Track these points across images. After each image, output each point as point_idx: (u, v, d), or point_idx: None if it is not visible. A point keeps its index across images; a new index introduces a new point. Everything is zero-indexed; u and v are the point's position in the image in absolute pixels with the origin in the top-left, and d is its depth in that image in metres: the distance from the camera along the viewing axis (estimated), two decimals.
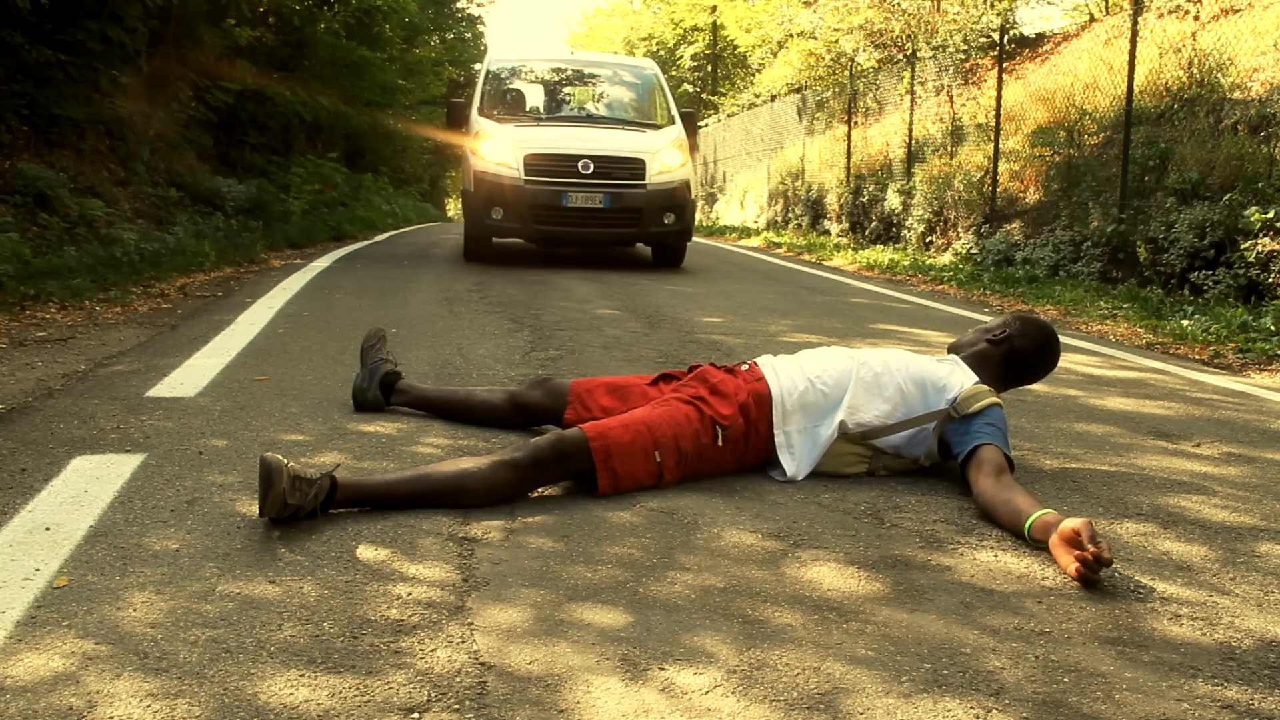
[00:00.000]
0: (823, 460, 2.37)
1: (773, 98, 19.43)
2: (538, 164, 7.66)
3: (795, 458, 2.35)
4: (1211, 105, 7.81)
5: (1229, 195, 6.61)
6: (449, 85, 26.61)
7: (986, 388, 2.40)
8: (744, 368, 2.48)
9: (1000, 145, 10.04)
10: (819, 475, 2.36)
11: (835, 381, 2.38)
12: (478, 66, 13.53)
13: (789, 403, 2.35)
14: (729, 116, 23.06)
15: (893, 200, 12.03)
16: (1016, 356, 2.57)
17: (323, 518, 1.96)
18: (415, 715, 1.27)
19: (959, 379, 2.42)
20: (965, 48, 13.27)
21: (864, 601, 1.68)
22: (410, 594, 1.63)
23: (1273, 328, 5.14)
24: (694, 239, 9.99)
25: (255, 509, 1.99)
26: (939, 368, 2.46)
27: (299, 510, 1.92)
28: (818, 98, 16.58)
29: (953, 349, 2.65)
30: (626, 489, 2.19)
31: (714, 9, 27.99)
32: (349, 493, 2.02)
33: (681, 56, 31.87)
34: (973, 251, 9.70)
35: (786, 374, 2.40)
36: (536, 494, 2.17)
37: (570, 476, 2.21)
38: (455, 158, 24.15)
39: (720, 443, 2.30)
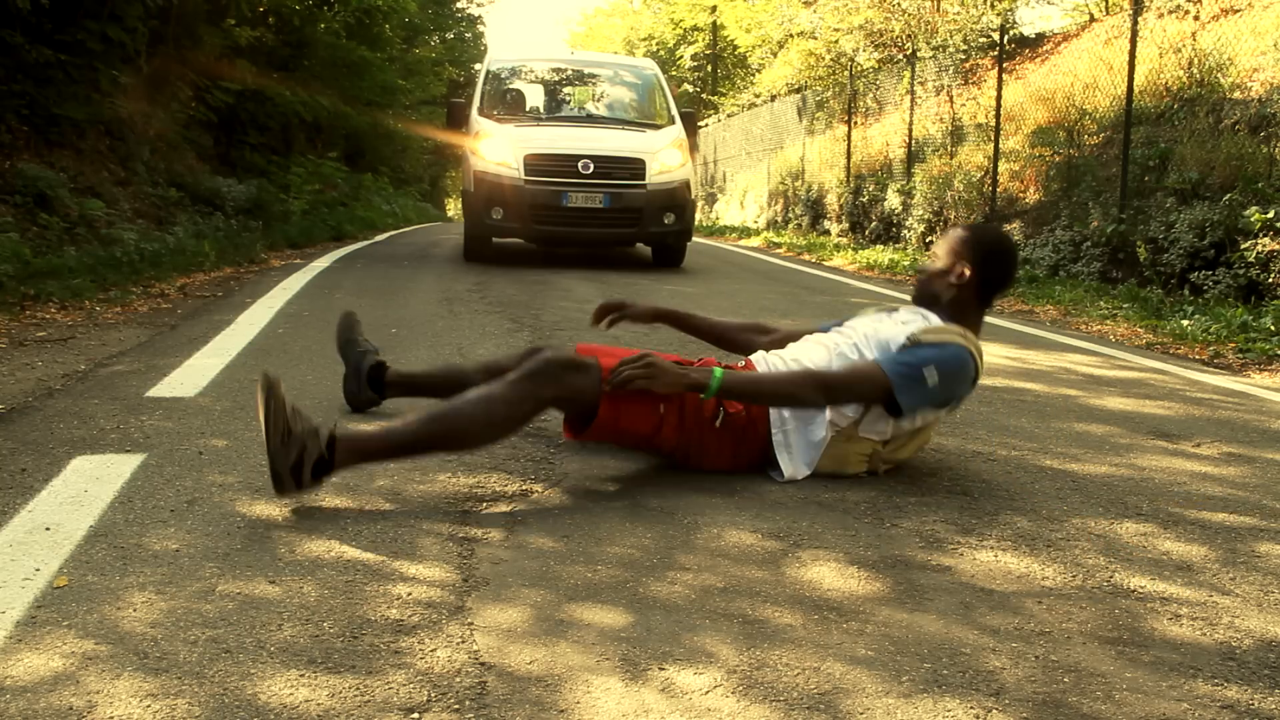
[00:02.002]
0: (822, 462, 2.37)
1: (773, 98, 19.43)
2: (538, 164, 7.66)
3: (792, 457, 2.35)
4: (1211, 105, 7.81)
5: (1229, 195, 6.61)
6: (449, 85, 26.60)
7: (949, 327, 2.34)
8: (740, 364, 2.48)
9: (1000, 145, 10.04)
10: (819, 475, 2.36)
11: None
12: (478, 66, 13.52)
13: None
14: (729, 116, 23.07)
15: (893, 200, 12.03)
16: (991, 284, 2.45)
17: (320, 521, 1.96)
18: (415, 715, 1.27)
19: (917, 328, 2.36)
20: (965, 48, 13.27)
21: (864, 601, 1.68)
22: (410, 594, 1.63)
23: (1273, 328, 5.14)
24: (694, 239, 9.99)
25: (255, 508, 1.99)
26: (903, 330, 2.37)
27: (302, 450, 1.94)
28: (818, 98, 16.59)
29: (920, 302, 2.50)
30: (623, 429, 2.21)
31: (714, 9, 28.00)
32: (348, 446, 2.03)
33: (681, 56, 31.87)
34: None
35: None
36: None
37: (572, 399, 2.19)
38: (455, 158, 24.13)
39: (718, 424, 2.29)
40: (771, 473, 2.36)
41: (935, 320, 2.40)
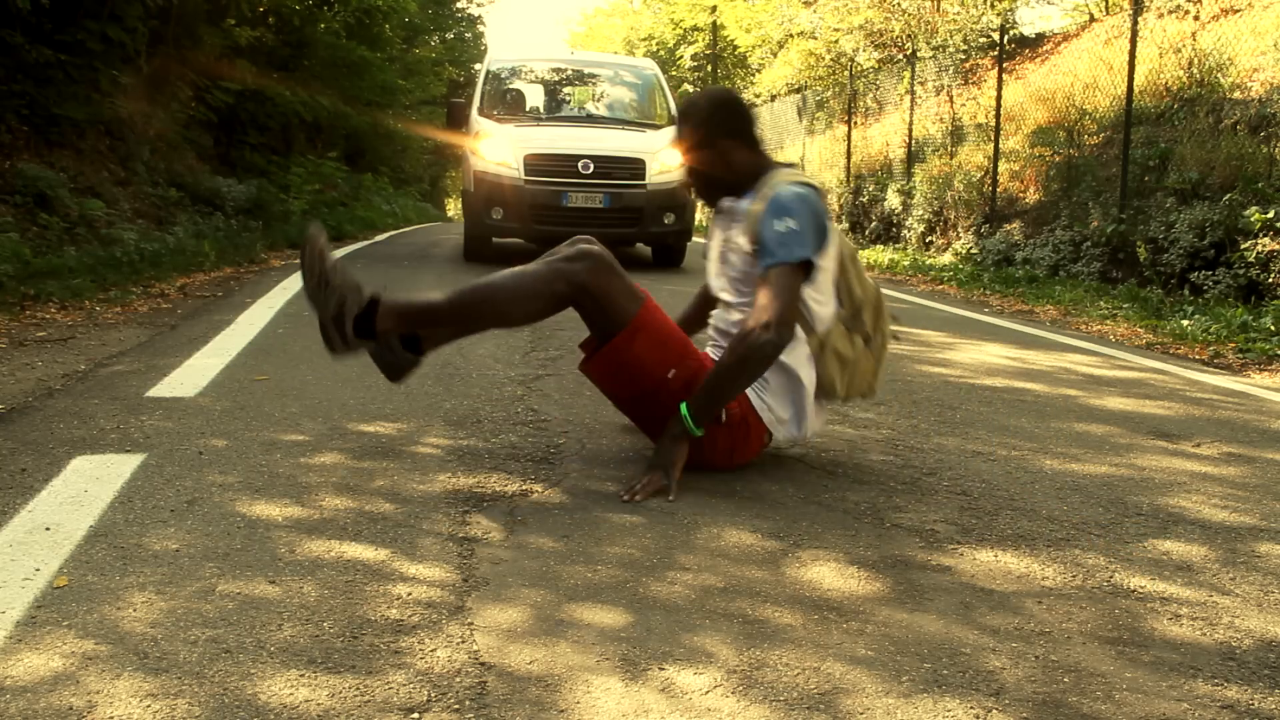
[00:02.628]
0: (825, 387, 2.31)
1: (773, 98, 19.43)
2: (538, 164, 7.66)
3: (789, 423, 2.32)
4: (1211, 105, 7.81)
5: (1229, 195, 6.61)
6: (449, 85, 26.60)
7: (754, 205, 2.26)
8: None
9: (1000, 145, 10.04)
10: (820, 474, 2.35)
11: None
12: (478, 66, 13.54)
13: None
14: None
15: (893, 200, 12.03)
16: (741, 130, 2.34)
17: (320, 521, 1.96)
18: (415, 715, 1.27)
19: (744, 230, 2.29)
20: (965, 48, 13.27)
21: (864, 601, 1.68)
22: (410, 594, 1.63)
23: (1273, 328, 5.14)
24: (694, 238, 9.99)
25: (255, 508, 1.99)
26: (743, 242, 2.30)
27: (342, 303, 2.14)
28: (818, 98, 16.59)
29: (720, 202, 2.42)
30: (631, 366, 2.25)
31: (714, 9, 27.97)
32: (390, 309, 2.18)
33: (681, 56, 31.84)
34: (973, 251, 9.70)
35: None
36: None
37: (601, 297, 2.23)
38: (455, 158, 24.13)
39: (724, 420, 2.28)
40: (785, 444, 2.32)
41: (744, 205, 2.32)
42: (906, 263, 9.78)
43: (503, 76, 9.18)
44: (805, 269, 2.21)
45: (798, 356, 2.30)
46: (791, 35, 19.34)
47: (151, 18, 8.66)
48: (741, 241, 2.31)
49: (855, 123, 14.37)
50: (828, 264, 2.29)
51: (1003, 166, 10.06)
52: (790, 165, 2.41)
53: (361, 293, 2.22)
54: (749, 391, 2.30)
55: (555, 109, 9.23)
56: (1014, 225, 9.46)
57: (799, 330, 2.28)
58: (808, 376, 2.31)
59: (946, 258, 10.12)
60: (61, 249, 6.06)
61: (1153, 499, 2.33)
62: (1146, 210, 7.45)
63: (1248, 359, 4.74)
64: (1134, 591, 1.77)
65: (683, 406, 2.19)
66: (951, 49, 13.26)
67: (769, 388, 2.32)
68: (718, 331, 2.43)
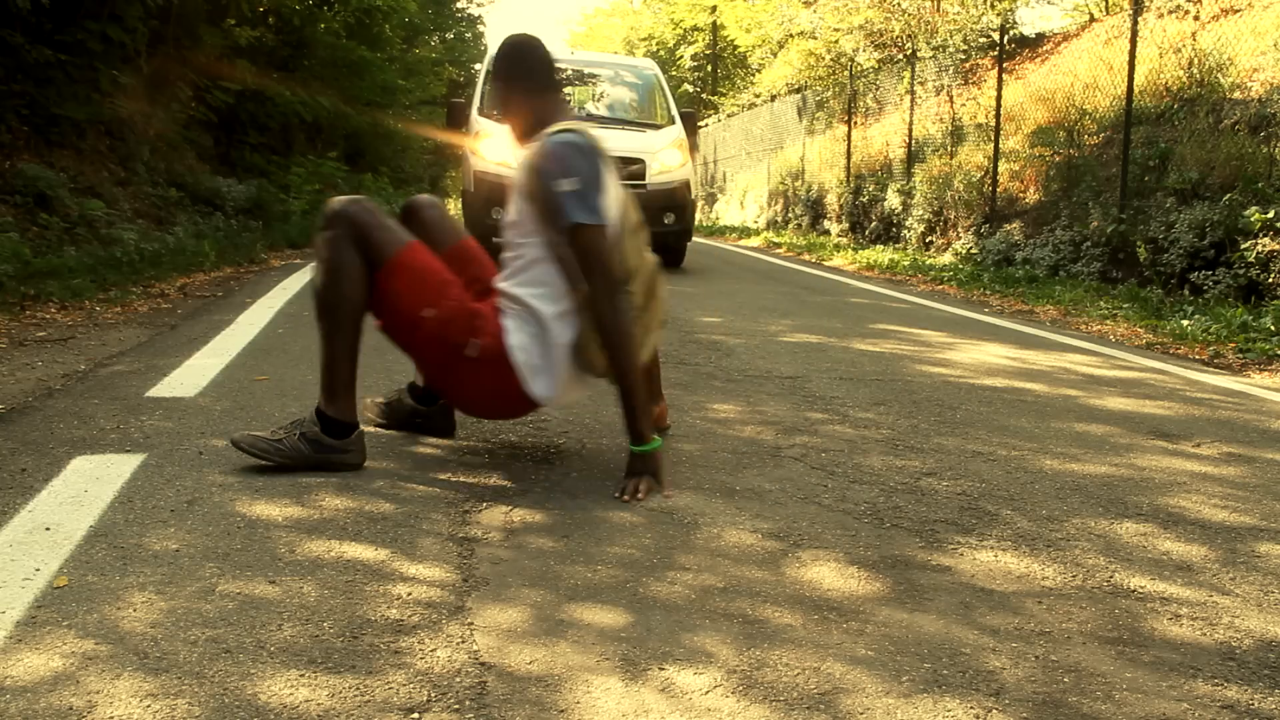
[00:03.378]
0: (587, 347, 2.21)
1: (773, 98, 19.44)
2: None
3: (538, 369, 2.22)
4: (1211, 105, 7.82)
5: (1229, 195, 6.61)
6: (449, 85, 26.60)
7: (540, 139, 2.21)
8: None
9: (1000, 145, 10.04)
10: (820, 474, 2.35)
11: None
12: (478, 66, 13.54)
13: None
14: (729, 116, 23.08)
15: (893, 200, 12.03)
16: (520, 74, 2.29)
17: (320, 521, 1.96)
18: (415, 715, 1.27)
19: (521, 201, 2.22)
20: (965, 48, 13.27)
21: (864, 601, 1.68)
22: (410, 594, 1.63)
23: (1273, 328, 5.14)
24: (694, 239, 9.99)
25: (255, 509, 1.99)
26: (521, 207, 2.24)
27: (304, 438, 2.20)
28: (818, 98, 16.60)
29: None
30: (389, 307, 2.22)
31: (714, 9, 27.99)
32: (329, 405, 2.22)
33: (681, 56, 31.87)
34: (973, 251, 9.70)
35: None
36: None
37: (367, 252, 2.18)
38: (455, 158, 24.10)
39: (467, 352, 2.20)
40: (539, 399, 2.24)
41: (522, 158, 2.26)
42: (906, 263, 9.78)
43: None
44: (586, 220, 2.14)
45: (553, 310, 2.20)
46: (791, 35, 19.36)
47: (151, 18, 8.66)
48: (516, 198, 2.25)
49: (855, 123, 14.38)
50: (613, 209, 2.23)
51: (1003, 166, 10.07)
52: (579, 120, 2.33)
53: (305, 420, 2.24)
54: (502, 322, 2.21)
55: None
56: (1014, 225, 9.46)
57: (560, 284, 2.20)
58: (560, 332, 2.20)
59: (946, 258, 10.13)
60: (61, 249, 6.06)
61: (1153, 499, 2.33)
62: (1146, 210, 7.45)
63: (1248, 359, 4.74)
64: (1134, 591, 1.77)
65: (631, 446, 2.20)
66: (951, 49, 13.26)
67: (523, 328, 2.21)
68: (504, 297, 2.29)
